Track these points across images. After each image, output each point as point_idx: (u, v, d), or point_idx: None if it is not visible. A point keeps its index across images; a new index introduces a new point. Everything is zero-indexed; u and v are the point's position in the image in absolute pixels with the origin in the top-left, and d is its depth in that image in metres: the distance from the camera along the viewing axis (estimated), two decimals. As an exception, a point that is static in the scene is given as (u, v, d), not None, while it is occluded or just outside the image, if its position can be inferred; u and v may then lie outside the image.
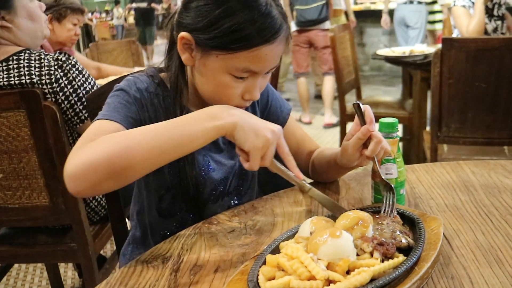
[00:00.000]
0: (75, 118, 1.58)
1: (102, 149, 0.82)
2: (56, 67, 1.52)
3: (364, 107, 0.96)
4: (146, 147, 0.84)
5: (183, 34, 0.96)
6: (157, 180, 1.09)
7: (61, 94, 1.53)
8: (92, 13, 13.18)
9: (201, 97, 1.07)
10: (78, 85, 1.56)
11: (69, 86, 1.54)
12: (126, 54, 3.61)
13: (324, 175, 1.19)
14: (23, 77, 1.51)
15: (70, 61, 1.55)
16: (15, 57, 1.54)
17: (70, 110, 1.56)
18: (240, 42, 0.91)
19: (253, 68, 0.95)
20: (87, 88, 1.58)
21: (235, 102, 0.99)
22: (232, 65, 0.94)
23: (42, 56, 1.54)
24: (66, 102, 1.55)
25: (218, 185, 1.12)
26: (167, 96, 1.04)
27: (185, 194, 1.09)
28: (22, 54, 1.54)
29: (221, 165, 1.11)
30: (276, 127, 0.90)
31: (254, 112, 1.19)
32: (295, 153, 1.21)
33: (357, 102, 0.97)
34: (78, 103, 1.56)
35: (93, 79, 1.63)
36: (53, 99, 1.53)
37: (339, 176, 1.19)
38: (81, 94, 1.56)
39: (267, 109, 1.21)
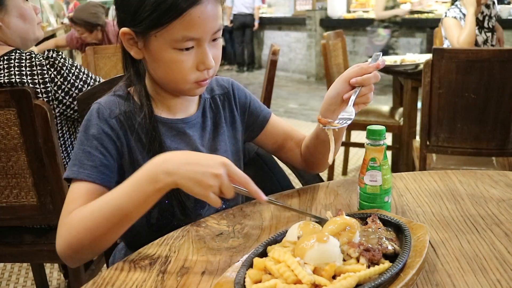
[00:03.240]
0: None
1: (71, 234, 0.91)
2: (48, 66, 1.52)
3: (382, 59, 1.04)
4: (105, 223, 0.89)
5: (122, 30, 1.00)
6: None
7: (60, 91, 1.55)
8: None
9: (167, 99, 1.09)
10: (73, 78, 1.57)
11: (65, 82, 1.55)
12: None
13: (314, 155, 1.19)
14: (13, 77, 1.51)
15: (60, 57, 1.56)
16: (5, 57, 1.53)
17: (75, 102, 1.58)
18: (168, 13, 0.93)
19: (192, 35, 0.96)
20: (83, 78, 1.60)
21: (193, 76, 1.01)
22: (171, 38, 0.96)
23: (33, 56, 1.54)
24: (67, 97, 1.57)
25: None
26: (135, 109, 1.05)
27: (171, 206, 1.09)
28: (13, 54, 1.54)
29: None
30: (220, 163, 0.87)
31: (232, 112, 1.19)
32: (283, 146, 1.23)
33: (380, 52, 1.05)
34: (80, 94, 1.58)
35: (86, 69, 1.65)
36: (46, 99, 1.54)
37: (326, 152, 1.15)
38: (79, 86, 1.58)
39: (247, 109, 1.22)
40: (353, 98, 1.02)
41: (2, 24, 1.57)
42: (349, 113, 1.01)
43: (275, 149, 1.25)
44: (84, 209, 0.92)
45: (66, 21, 10.52)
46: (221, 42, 1.05)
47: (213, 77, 1.08)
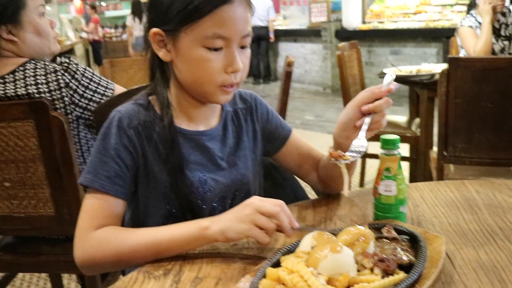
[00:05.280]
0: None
1: (98, 253, 0.96)
2: (62, 71, 1.56)
3: (393, 82, 1.03)
4: (138, 254, 0.94)
5: (153, 30, 1.02)
6: (156, 210, 1.10)
7: (75, 95, 1.58)
8: (103, 28, 13.36)
9: (189, 109, 1.09)
10: (87, 81, 1.61)
11: (80, 86, 1.59)
12: (145, 72, 3.35)
13: (329, 177, 1.18)
14: (29, 87, 1.54)
15: (72, 61, 1.60)
16: (21, 68, 1.57)
17: (91, 103, 1.62)
18: (199, 9, 0.96)
19: (222, 33, 0.98)
20: (96, 80, 1.64)
21: (220, 78, 1.02)
22: (201, 35, 0.98)
23: (47, 64, 1.57)
24: (83, 99, 1.60)
25: (216, 206, 1.12)
26: (155, 119, 1.06)
27: (184, 218, 1.07)
28: (28, 64, 1.58)
29: (218, 183, 1.11)
30: (248, 203, 0.92)
31: (254, 127, 1.19)
32: (300, 166, 1.22)
33: (392, 74, 1.04)
34: (96, 94, 1.63)
35: (97, 72, 1.69)
36: (62, 104, 1.57)
37: (341, 176, 1.14)
38: (94, 87, 1.62)
39: (268, 126, 1.22)
40: (364, 127, 1.01)
41: (17, 39, 1.60)
42: (361, 144, 1.00)
43: (292, 168, 1.25)
44: (116, 235, 0.96)
45: (84, 35, 10.71)
46: (249, 51, 1.06)
47: (239, 87, 1.08)
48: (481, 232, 0.98)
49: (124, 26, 15.19)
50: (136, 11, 8.87)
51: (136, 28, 8.83)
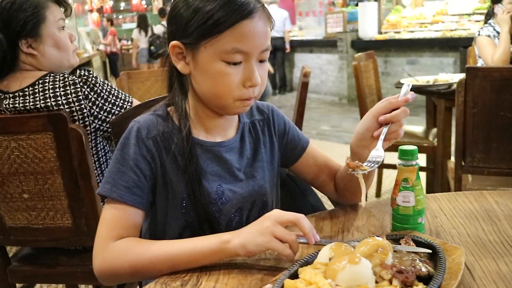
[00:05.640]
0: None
1: (117, 264, 0.96)
2: (81, 83, 1.57)
3: (410, 91, 1.03)
4: (160, 267, 0.94)
5: (172, 43, 1.03)
6: (174, 220, 1.10)
7: (94, 107, 1.60)
8: (120, 40, 13.53)
9: (206, 120, 1.10)
10: (106, 94, 1.63)
11: (99, 98, 1.61)
12: (162, 84, 3.30)
13: (347, 188, 1.18)
14: (48, 100, 1.56)
15: (91, 74, 1.62)
16: (40, 81, 1.59)
17: (110, 116, 1.64)
18: (220, 23, 0.96)
19: (242, 47, 0.98)
20: (115, 94, 1.66)
21: (238, 92, 1.02)
22: (221, 49, 0.98)
23: (66, 76, 1.59)
24: (102, 112, 1.62)
25: (233, 217, 1.12)
26: (174, 130, 1.06)
27: (202, 230, 1.09)
28: (47, 77, 1.60)
29: (235, 194, 1.11)
30: (268, 216, 0.93)
31: (271, 138, 1.20)
32: (318, 177, 1.22)
33: (409, 84, 1.03)
34: (114, 107, 1.64)
35: (114, 85, 1.71)
36: (81, 116, 1.59)
37: (358, 187, 1.13)
38: (112, 100, 1.64)
39: (286, 137, 1.22)
40: (382, 137, 1.01)
41: (37, 53, 1.62)
42: (379, 154, 1.00)
43: (309, 179, 1.25)
44: (135, 246, 0.97)
45: (101, 47, 10.86)
46: (267, 65, 1.06)
47: (256, 99, 1.09)
48: (501, 243, 0.96)
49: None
50: (142, 25, 9.13)
51: (142, 41, 9.10)
